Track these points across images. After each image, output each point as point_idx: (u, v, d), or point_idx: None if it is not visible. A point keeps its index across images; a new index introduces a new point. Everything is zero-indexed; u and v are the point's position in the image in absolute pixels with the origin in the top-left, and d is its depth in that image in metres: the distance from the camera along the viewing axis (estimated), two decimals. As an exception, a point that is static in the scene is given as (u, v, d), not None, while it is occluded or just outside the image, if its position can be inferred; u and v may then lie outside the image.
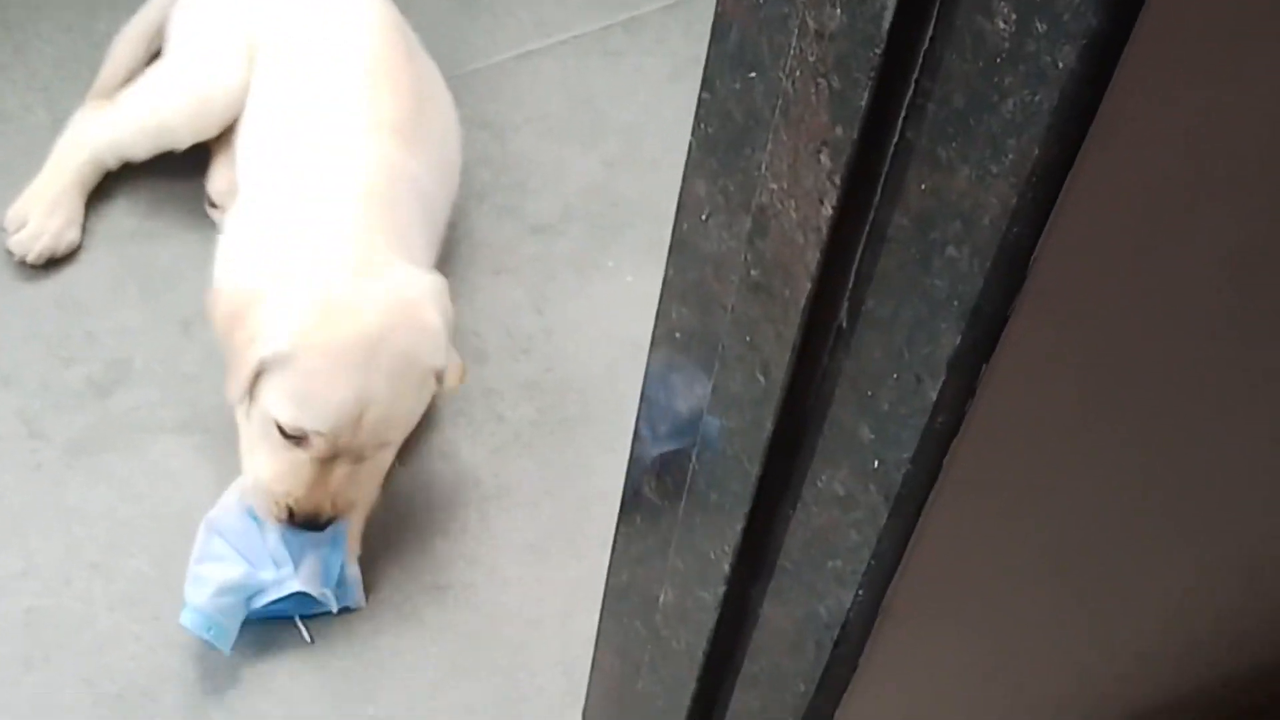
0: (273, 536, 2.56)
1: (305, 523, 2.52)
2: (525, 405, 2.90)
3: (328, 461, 2.49)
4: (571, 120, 3.20)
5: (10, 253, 2.95)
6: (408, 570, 2.72)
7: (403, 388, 2.50)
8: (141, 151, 2.99)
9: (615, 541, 1.83)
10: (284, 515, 2.52)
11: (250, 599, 2.57)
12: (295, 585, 2.56)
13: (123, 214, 3.03)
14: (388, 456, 2.64)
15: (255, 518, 2.57)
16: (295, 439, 2.47)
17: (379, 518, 2.74)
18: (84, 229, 2.99)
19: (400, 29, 2.94)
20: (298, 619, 2.64)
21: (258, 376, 2.47)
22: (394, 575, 2.72)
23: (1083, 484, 1.48)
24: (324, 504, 2.52)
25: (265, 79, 2.87)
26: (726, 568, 1.62)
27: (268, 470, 2.51)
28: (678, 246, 1.45)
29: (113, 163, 3.02)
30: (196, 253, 2.96)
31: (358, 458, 2.51)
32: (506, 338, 2.96)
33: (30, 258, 2.95)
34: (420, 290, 2.54)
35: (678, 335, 1.53)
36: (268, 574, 2.57)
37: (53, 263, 2.97)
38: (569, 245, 3.07)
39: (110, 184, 3.04)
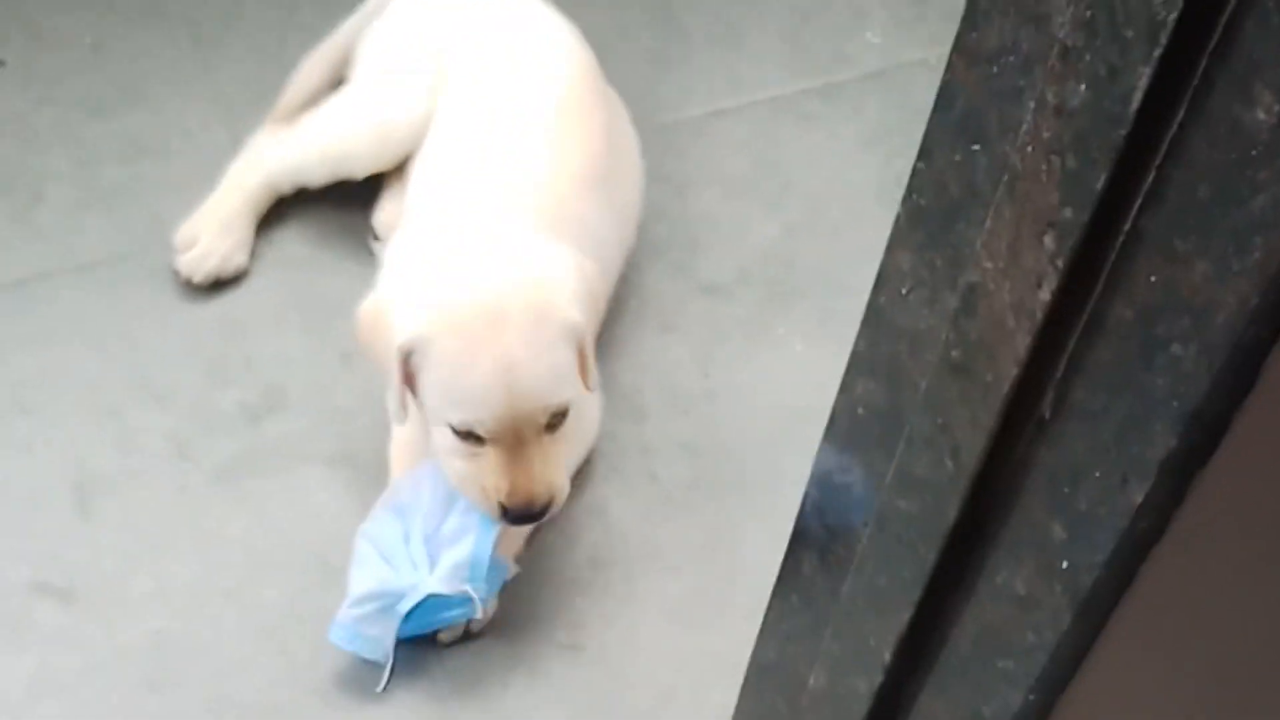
0: (416, 540, 2.52)
1: (522, 515, 2.48)
2: (681, 466, 2.82)
3: (515, 447, 2.45)
4: (756, 182, 3.12)
5: (177, 272, 2.92)
6: (543, 625, 2.64)
7: (540, 344, 2.43)
8: (318, 178, 2.95)
9: (767, 616, 1.77)
10: (499, 512, 2.48)
11: (395, 605, 2.52)
12: (431, 586, 2.50)
13: (292, 241, 2.99)
14: (571, 428, 2.55)
15: (402, 518, 2.53)
16: (470, 435, 2.44)
17: (519, 571, 2.66)
18: (252, 254, 2.96)
19: (595, 73, 2.88)
20: (387, 667, 2.57)
21: (412, 384, 2.45)
22: (528, 629, 2.64)
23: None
24: (534, 490, 2.46)
25: (451, 112, 2.81)
26: (887, 656, 1.55)
27: (470, 471, 2.48)
28: (872, 318, 1.37)
29: (288, 188, 2.99)
30: (361, 286, 2.89)
31: (538, 431, 2.46)
32: (668, 396, 2.88)
33: (197, 278, 2.92)
34: (545, 253, 2.51)
35: (861, 410, 1.44)
36: (407, 577, 2.52)
37: (218, 285, 2.93)
38: (740, 309, 2.98)
39: (283, 209, 3.00)
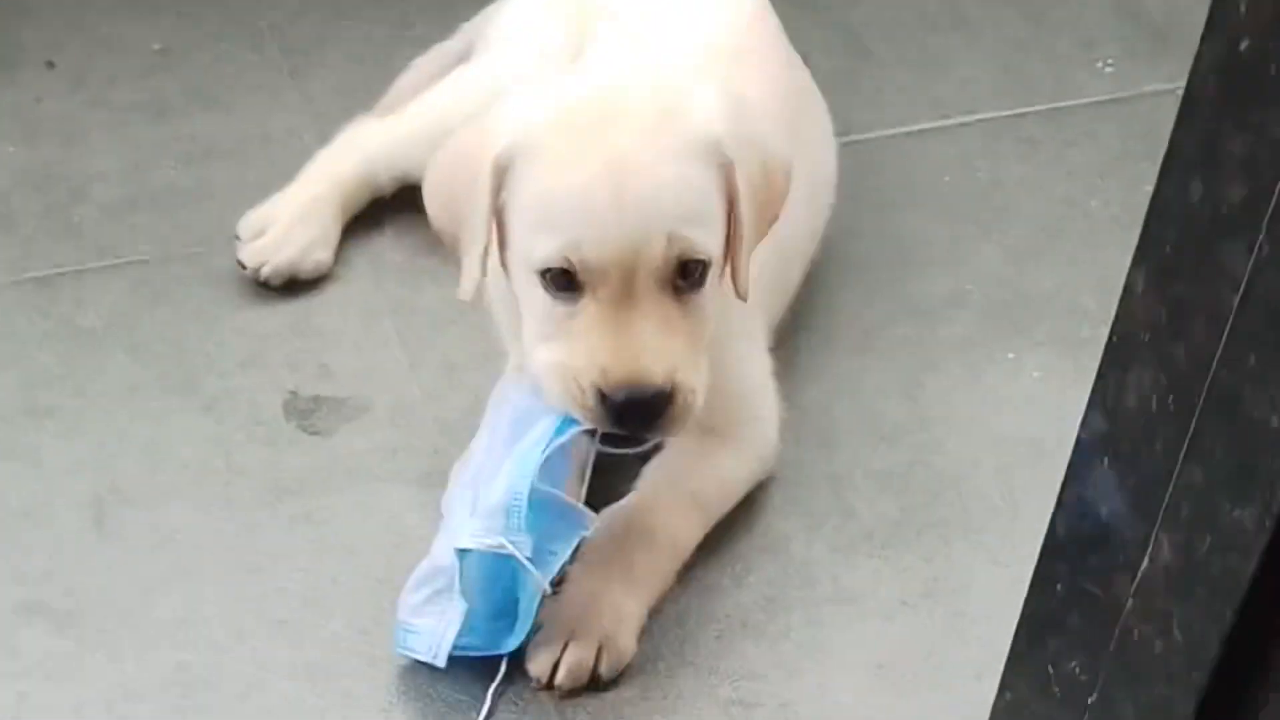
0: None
1: (628, 406, 1.83)
2: (884, 500, 2.14)
3: (624, 302, 1.84)
4: (968, 203, 2.51)
5: (241, 264, 2.32)
6: (703, 677, 1.96)
7: (664, 149, 1.85)
8: (424, 165, 2.36)
9: (1002, 687, 1.49)
10: (595, 404, 1.85)
11: (448, 587, 1.87)
12: (459, 542, 1.86)
13: (390, 249, 2.40)
14: (705, 297, 1.91)
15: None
16: (568, 286, 1.85)
17: (667, 607, 1.98)
18: (338, 255, 2.36)
19: (772, 23, 2.31)
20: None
21: (502, 230, 1.90)
22: (684, 681, 1.95)
23: None
24: (643, 362, 1.83)
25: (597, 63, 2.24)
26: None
27: (558, 351, 1.87)
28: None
29: (386, 180, 2.40)
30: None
31: (660, 282, 1.85)
32: (864, 422, 2.22)
33: (266, 271, 2.31)
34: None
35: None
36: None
37: (293, 286, 2.33)
38: (957, 332, 2.34)
39: (379, 215, 2.42)
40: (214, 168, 2.48)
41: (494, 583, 1.88)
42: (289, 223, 2.34)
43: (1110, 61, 2.73)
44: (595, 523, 1.94)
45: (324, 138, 2.46)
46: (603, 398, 1.83)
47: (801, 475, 2.16)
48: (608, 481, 2.04)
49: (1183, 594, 1.24)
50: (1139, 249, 1.20)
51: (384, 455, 2.15)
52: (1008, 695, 1.48)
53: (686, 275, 1.86)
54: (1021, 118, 2.64)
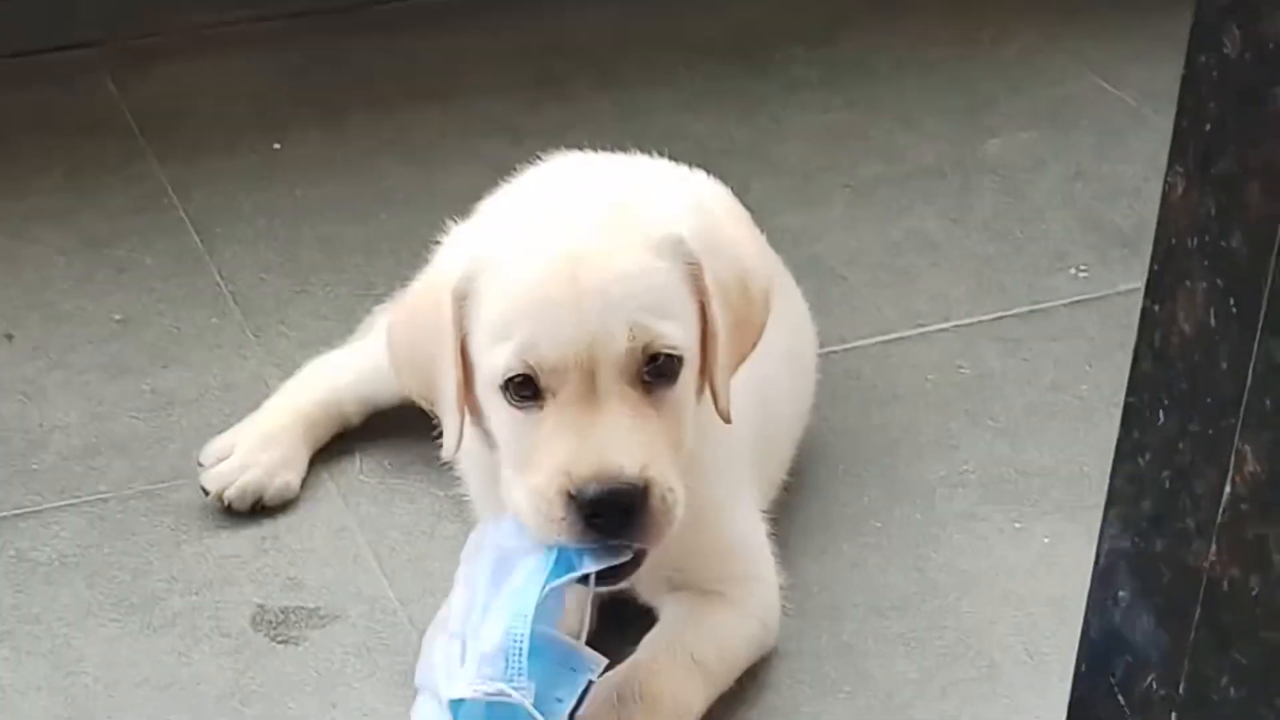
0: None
1: (599, 504, 1.71)
2: (901, 663, 2.00)
3: (590, 406, 1.74)
4: (955, 396, 2.43)
5: (204, 490, 2.22)
6: None
7: (625, 242, 1.77)
8: (391, 391, 2.28)
9: None
10: (566, 512, 1.73)
11: None
12: (455, 691, 1.73)
13: (361, 471, 2.30)
14: (680, 396, 1.80)
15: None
16: (531, 395, 1.76)
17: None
18: (305, 480, 2.26)
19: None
20: None
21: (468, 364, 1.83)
22: None
23: None
24: (609, 456, 1.72)
25: None
26: None
27: (529, 469, 1.76)
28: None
29: (352, 408, 2.32)
30: (443, 508, 2.20)
31: (625, 378, 1.76)
32: (871, 594, 2.10)
33: (230, 493, 2.21)
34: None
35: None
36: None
37: (260, 512, 2.22)
38: (958, 508, 2.23)
39: (347, 440, 2.33)
40: (176, 414, 2.38)
41: None
42: (253, 447, 2.25)
43: (1084, 268, 2.68)
44: (601, 666, 1.79)
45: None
46: (572, 500, 1.72)
47: (808, 646, 2.03)
48: (607, 645, 1.90)
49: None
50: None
51: (358, 656, 2.02)
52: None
53: (657, 370, 1.77)
54: (999, 320, 2.58)
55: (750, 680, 1.98)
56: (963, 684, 1.98)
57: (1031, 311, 2.61)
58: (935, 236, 2.78)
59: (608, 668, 1.84)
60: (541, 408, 1.75)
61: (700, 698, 1.91)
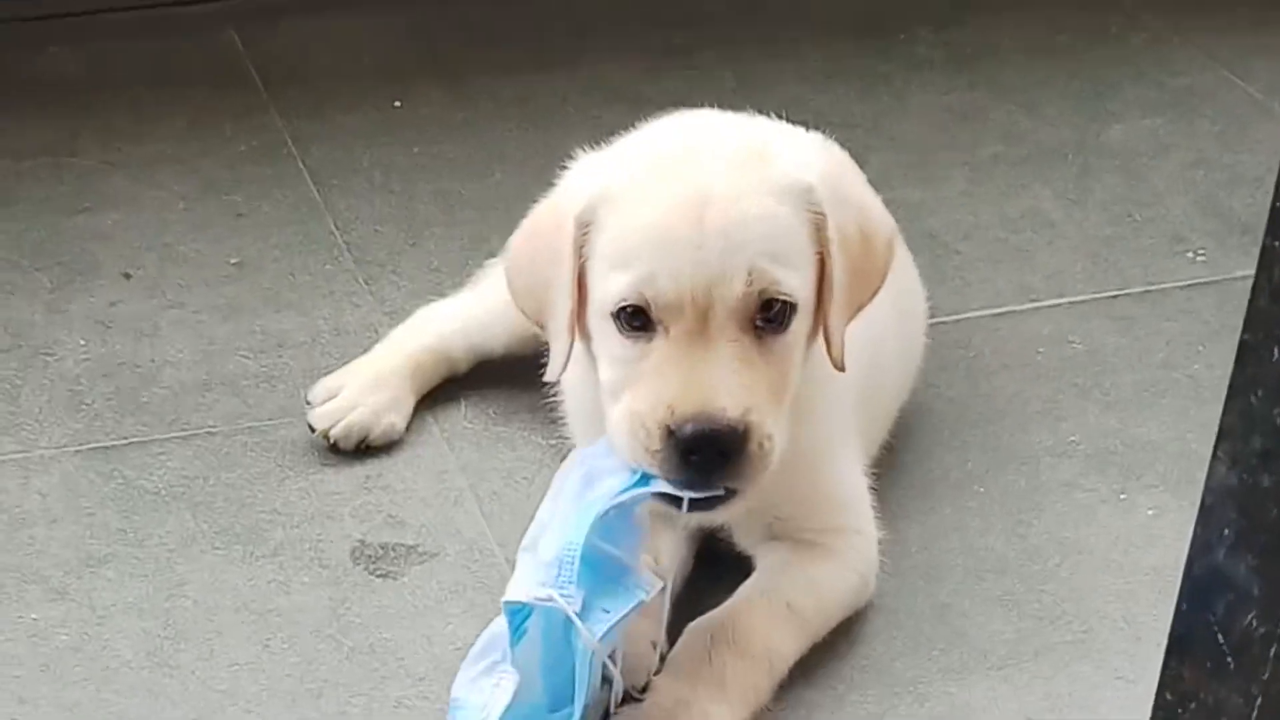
0: None
1: (696, 441, 1.71)
2: (997, 623, 1.99)
3: (701, 343, 1.74)
4: (1064, 369, 2.41)
5: (311, 428, 2.24)
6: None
7: (748, 185, 1.77)
8: (500, 338, 2.30)
9: None
10: (663, 445, 1.73)
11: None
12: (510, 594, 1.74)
13: (465, 418, 2.31)
14: (790, 344, 1.81)
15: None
16: (643, 326, 1.76)
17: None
18: (410, 424, 2.28)
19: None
20: None
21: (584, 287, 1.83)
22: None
23: None
24: (714, 397, 1.71)
25: None
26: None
27: (629, 399, 1.77)
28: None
29: (460, 354, 2.33)
30: (545, 457, 2.21)
31: (738, 322, 1.76)
32: (970, 557, 2.09)
33: (336, 432, 2.23)
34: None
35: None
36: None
37: (365, 452, 2.24)
38: (1062, 477, 2.22)
39: (454, 387, 2.34)
40: (285, 355, 2.41)
41: (549, 647, 1.73)
42: (361, 388, 2.27)
43: (1201, 252, 2.66)
44: (656, 589, 1.79)
45: (398, 328, 2.42)
46: (670, 435, 1.72)
47: (904, 604, 2.02)
48: (704, 591, 1.91)
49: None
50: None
51: (454, 593, 2.03)
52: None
53: (769, 316, 1.77)
54: (1114, 299, 2.56)
55: (843, 633, 1.97)
56: (1058, 647, 1.96)
57: (1146, 292, 2.58)
58: (1052, 216, 2.76)
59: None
60: (650, 340, 1.76)
61: (793, 645, 1.91)
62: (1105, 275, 2.62)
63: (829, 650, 1.95)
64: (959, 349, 2.45)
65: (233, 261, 2.61)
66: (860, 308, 1.88)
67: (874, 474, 2.11)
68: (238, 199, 2.74)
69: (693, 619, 1.90)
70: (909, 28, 3.28)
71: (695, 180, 1.77)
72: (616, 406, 1.78)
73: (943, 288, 2.56)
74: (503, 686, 1.72)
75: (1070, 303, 2.56)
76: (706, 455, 1.72)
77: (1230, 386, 1.20)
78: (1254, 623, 1.19)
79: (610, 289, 1.77)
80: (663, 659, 1.86)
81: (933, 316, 2.44)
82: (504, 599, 1.73)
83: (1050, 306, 2.55)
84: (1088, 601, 2.02)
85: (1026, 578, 2.06)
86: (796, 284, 1.78)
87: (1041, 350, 2.45)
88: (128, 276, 2.57)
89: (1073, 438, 2.28)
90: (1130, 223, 2.74)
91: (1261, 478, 1.16)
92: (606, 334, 1.80)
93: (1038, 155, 2.91)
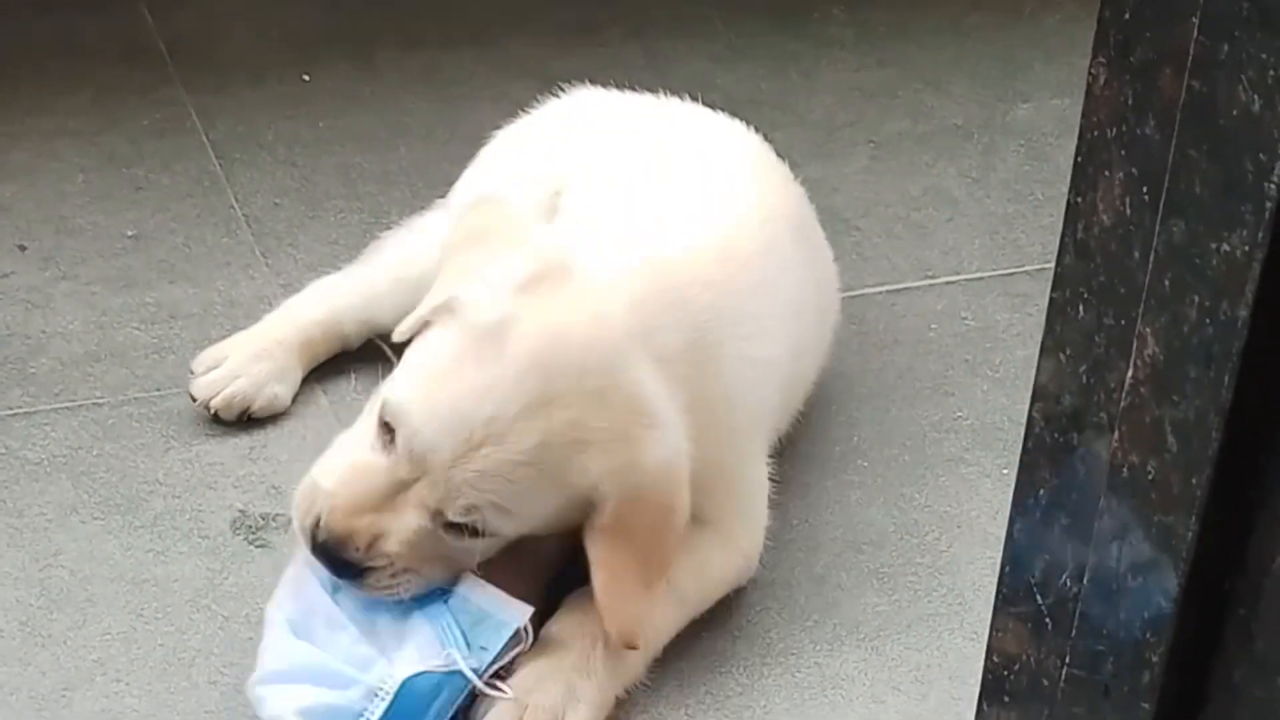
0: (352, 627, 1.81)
1: (325, 550, 1.79)
2: (870, 596, 2.02)
3: (401, 487, 1.79)
4: (956, 345, 2.43)
5: (193, 398, 2.23)
6: None
7: (540, 456, 1.79)
8: (390, 311, 2.29)
9: None
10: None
11: None
12: (404, 671, 1.76)
13: (354, 391, 2.31)
14: (477, 549, 1.83)
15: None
16: (385, 437, 1.81)
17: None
18: (297, 395, 2.28)
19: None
20: None
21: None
22: None
23: None
24: (358, 531, 1.78)
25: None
26: None
27: (332, 466, 1.85)
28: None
29: (352, 328, 2.33)
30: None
31: (439, 504, 1.78)
32: (849, 530, 2.12)
33: (217, 402, 2.22)
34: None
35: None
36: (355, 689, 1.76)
37: (249, 423, 2.23)
38: (947, 451, 2.24)
39: (344, 361, 2.34)
40: (177, 327, 2.40)
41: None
42: (245, 358, 2.26)
43: (1100, 230, 2.67)
44: (528, 615, 1.82)
45: (292, 299, 2.41)
46: (315, 530, 1.80)
47: (781, 575, 2.04)
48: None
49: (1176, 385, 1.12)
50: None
51: (334, 565, 2.03)
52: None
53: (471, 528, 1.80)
54: (1010, 276, 2.57)
55: (720, 604, 1.98)
56: (930, 619, 1.98)
57: (1042, 269, 2.58)
58: (954, 194, 2.77)
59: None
60: (381, 449, 1.82)
61: (671, 623, 1.93)
62: (1003, 253, 2.63)
63: (703, 621, 1.96)
64: (852, 325, 2.45)
65: (129, 234, 2.59)
66: (658, 574, 1.86)
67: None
68: (138, 172, 2.72)
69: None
70: (821, 6, 3.27)
71: (499, 403, 1.78)
72: (324, 462, 1.87)
73: (840, 264, 2.55)
74: None
75: (966, 280, 2.57)
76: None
77: (1041, 347, 1.21)
78: (1067, 581, 1.20)
79: (391, 388, 1.86)
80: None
81: (826, 294, 2.46)
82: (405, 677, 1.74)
83: (946, 283, 2.56)
84: (963, 574, 2.03)
85: (904, 550, 2.08)
86: (512, 529, 1.82)
87: (934, 326, 2.47)
88: (22, 248, 2.55)
89: (959, 413, 2.30)
90: (1031, 201, 2.74)
91: (1071, 436, 1.17)
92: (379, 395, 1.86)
93: (943, 133, 2.92)
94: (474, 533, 1.79)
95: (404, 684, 1.73)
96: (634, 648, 1.85)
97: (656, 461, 1.82)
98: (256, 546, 2.06)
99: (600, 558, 1.82)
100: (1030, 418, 1.23)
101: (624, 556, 1.82)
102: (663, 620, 1.92)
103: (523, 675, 1.83)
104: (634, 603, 1.83)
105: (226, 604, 1.98)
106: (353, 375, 2.33)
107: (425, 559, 1.80)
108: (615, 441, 1.80)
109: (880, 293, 2.53)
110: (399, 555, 1.77)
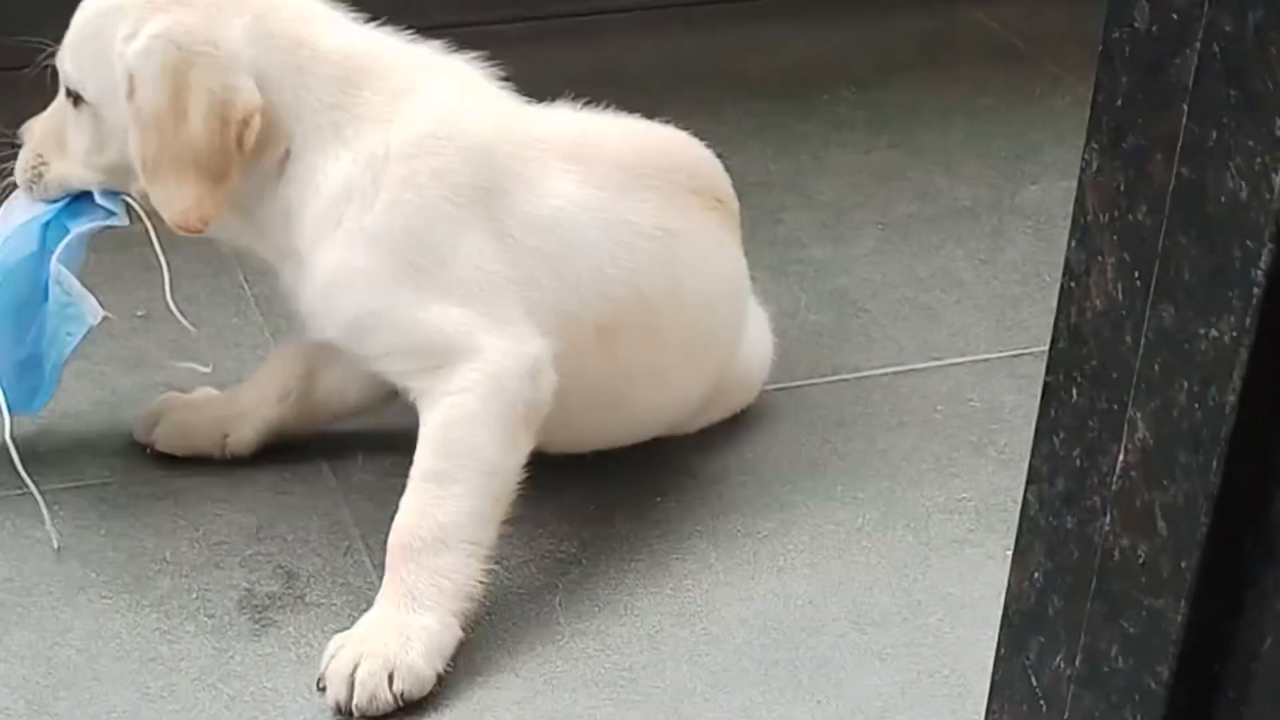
0: None
1: None
2: (874, 678, 2.01)
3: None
4: (961, 427, 2.43)
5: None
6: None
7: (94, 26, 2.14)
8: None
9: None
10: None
11: None
12: None
13: (363, 468, 2.32)
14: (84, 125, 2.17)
15: None
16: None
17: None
18: (303, 472, 2.30)
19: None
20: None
21: None
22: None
23: None
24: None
25: None
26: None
27: None
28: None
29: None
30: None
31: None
32: (852, 610, 2.11)
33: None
34: None
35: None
36: None
37: (258, 503, 2.25)
38: (951, 533, 2.24)
39: (351, 440, 2.36)
40: (187, 407, 2.43)
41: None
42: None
43: (1107, 311, 2.68)
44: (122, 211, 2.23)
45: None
46: None
47: (784, 656, 2.04)
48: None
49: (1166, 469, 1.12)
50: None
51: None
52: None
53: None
54: (1016, 358, 2.58)
55: (711, 682, 1.98)
56: (933, 700, 1.97)
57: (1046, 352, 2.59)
58: (962, 275, 2.78)
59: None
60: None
61: (463, 512, 1.98)
62: (1010, 334, 2.64)
63: (705, 697, 1.96)
64: (857, 406, 2.46)
65: (139, 314, 2.61)
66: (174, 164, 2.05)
67: (764, 531, 2.15)
68: (148, 253, 2.74)
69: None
70: (832, 88, 3.31)
71: None
72: None
73: (846, 345, 2.59)
74: None
75: (973, 361, 2.57)
76: None
77: (1035, 430, 1.22)
78: (1061, 663, 1.21)
79: None
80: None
81: (834, 374, 2.49)
82: None
83: (952, 365, 2.56)
84: (966, 656, 2.02)
85: (908, 632, 2.07)
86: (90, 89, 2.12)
87: (940, 408, 2.47)
88: (34, 328, 2.58)
89: (964, 494, 2.30)
90: (1039, 282, 2.76)
91: (1065, 519, 1.18)
92: None
93: (952, 215, 2.94)
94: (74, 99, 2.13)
95: None
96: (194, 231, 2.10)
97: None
98: (263, 625, 2.06)
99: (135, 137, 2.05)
100: (1025, 500, 1.24)
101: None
102: (453, 516, 1.98)
103: (355, 629, 1.96)
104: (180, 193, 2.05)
105: (232, 683, 1.98)
106: (359, 454, 2.34)
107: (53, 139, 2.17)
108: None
109: (886, 374, 2.54)
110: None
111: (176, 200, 2.06)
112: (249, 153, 2.02)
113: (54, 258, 2.17)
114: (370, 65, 2.09)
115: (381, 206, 2.01)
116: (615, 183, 2.14)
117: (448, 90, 2.12)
